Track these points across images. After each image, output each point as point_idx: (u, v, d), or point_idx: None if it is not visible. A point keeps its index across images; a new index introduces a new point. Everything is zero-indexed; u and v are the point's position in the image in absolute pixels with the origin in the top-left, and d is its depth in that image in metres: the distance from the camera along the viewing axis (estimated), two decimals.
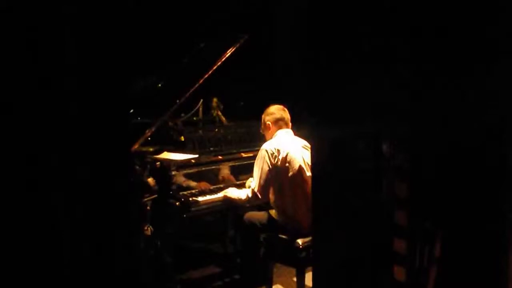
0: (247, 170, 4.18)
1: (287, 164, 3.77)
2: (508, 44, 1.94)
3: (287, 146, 3.83)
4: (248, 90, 5.04)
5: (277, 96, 4.23)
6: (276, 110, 4.01)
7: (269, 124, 4.00)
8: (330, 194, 2.41)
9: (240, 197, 3.89)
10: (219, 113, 4.70)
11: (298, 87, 4.24)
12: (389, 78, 2.17)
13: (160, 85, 4.29)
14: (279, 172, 3.79)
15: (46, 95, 2.42)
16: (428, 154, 2.14)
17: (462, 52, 2.03)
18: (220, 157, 4.28)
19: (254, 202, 3.91)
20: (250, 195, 3.83)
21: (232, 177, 4.32)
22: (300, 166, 3.81)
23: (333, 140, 2.35)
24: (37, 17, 2.35)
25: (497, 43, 1.96)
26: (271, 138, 3.97)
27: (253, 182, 3.85)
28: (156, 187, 3.88)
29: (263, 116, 4.04)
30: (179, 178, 4.02)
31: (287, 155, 3.78)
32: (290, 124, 4.06)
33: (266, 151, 3.80)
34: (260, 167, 3.80)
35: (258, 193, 3.79)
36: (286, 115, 4.03)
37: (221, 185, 4.24)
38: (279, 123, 3.99)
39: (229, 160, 4.33)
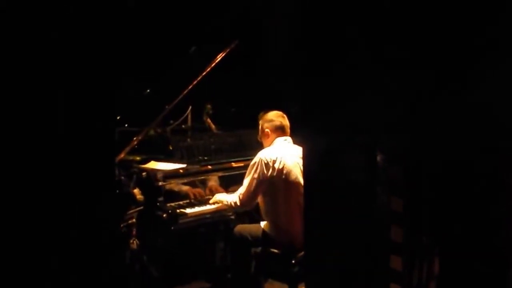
0: (238, 181, 4.14)
1: (283, 176, 3.78)
2: (505, 53, 1.99)
3: (284, 156, 3.82)
4: (239, 96, 5.05)
5: (270, 103, 4.24)
6: (275, 117, 4.01)
7: (267, 132, 4.00)
8: (321, 206, 2.43)
9: (228, 202, 3.92)
10: (209, 120, 4.70)
11: (291, 94, 4.24)
12: (384, 88, 2.20)
13: (148, 90, 4.29)
14: (274, 183, 3.79)
15: (28, 98, 2.43)
16: (424, 166, 2.16)
17: (459, 61, 2.07)
18: (209, 166, 4.28)
19: (238, 209, 3.95)
20: (234, 199, 3.88)
21: (221, 188, 4.32)
22: (296, 179, 3.81)
23: (325, 149, 2.37)
24: (22, 20, 2.37)
25: (495, 50, 2.00)
26: (269, 145, 3.97)
27: (242, 187, 3.87)
28: (142, 199, 3.88)
29: (261, 122, 4.04)
30: (167, 188, 4.02)
31: (283, 166, 3.78)
32: (289, 131, 4.05)
33: (261, 160, 3.79)
34: (251, 174, 3.81)
35: (240, 200, 3.84)
36: (286, 122, 4.02)
37: (211, 196, 4.24)
38: (278, 130, 3.99)
39: (218, 170, 4.33)
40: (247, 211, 4.28)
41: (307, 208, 2.54)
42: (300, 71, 2.48)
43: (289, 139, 4.04)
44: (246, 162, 4.06)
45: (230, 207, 3.96)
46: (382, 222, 2.24)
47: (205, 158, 4.36)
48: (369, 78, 2.21)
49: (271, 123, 4.00)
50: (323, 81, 2.37)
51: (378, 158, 2.22)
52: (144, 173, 4.00)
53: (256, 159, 3.83)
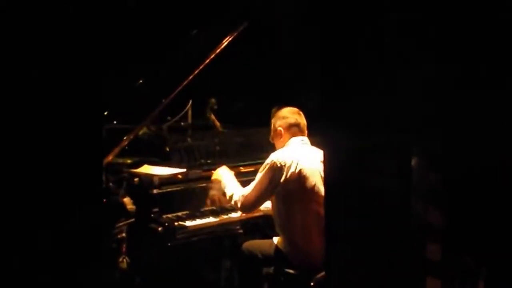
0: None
1: (299, 183, 3.79)
2: None
3: (301, 159, 3.83)
4: (249, 89, 5.05)
5: (284, 97, 4.24)
6: (289, 114, 4.02)
7: (280, 131, 4.00)
8: (346, 218, 2.44)
9: (227, 194, 3.96)
10: (213, 116, 4.70)
11: (309, 86, 4.26)
12: (423, 78, 2.21)
13: (141, 81, 4.28)
14: (289, 191, 3.80)
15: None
16: (467, 173, 2.17)
17: (500, 55, 2.11)
18: (213, 171, 4.25)
19: (236, 208, 3.97)
20: (236, 197, 3.90)
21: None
22: (315, 186, 3.83)
23: (350, 151, 2.39)
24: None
25: None
26: (283, 147, 3.99)
27: (248, 187, 3.89)
28: (133, 209, 3.88)
29: (273, 120, 4.04)
30: (163, 197, 4.03)
31: (300, 171, 3.79)
32: (306, 131, 4.05)
33: (274, 162, 3.81)
34: (261, 176, 3.83)
35: (241, 202, 3.85)
36: (302, 120, 4.03)
37: (214, 207, 4.23)
38: (293, 129, 3.99)
39: None
40: (257, 224, 4.29)
41: (329, 220, 2.56)
42: (321, 58, 2.49)
43: (306, 139, 4.03)
44: (257, 167, 4.07)
45: (227, 201, 3.98)
46: (417, 238, 2.25)
47: (208, 161, 4.37)
48: (404, 66, 2.23)
49: (284, 121, 3.99)
50: (349, 69, 2.39)
51: (414, 161, 2.22)
52: (136, 179, 4.01)
53: (268, 160, 3.84)
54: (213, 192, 4.26)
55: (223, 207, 4.24)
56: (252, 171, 4.25)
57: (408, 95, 2.25)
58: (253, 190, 3.84)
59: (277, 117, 4.03)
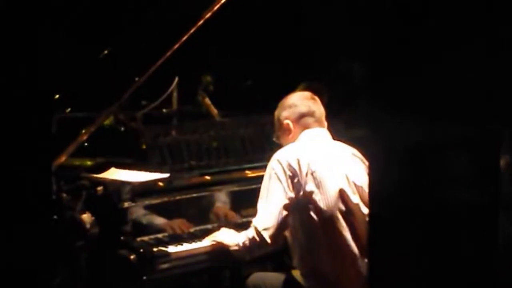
0: (257, 200, 4.03)
1: (313, 188, 3.78)
2: None
3: (315, 156, 3.83)
4: (259, 60, 5.06)
5: (306, 72, 4.28)
6: (299, 100, 4.03)
7: (288, 124, 4.02)
8: (402, 244, 2.46)
9: (238, 244, 3.89)
10: (208, 101, 4.69)
11: (352, 54, 4.22)
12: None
13: (106, 51, 4.26)
14: (301, 204, 3.81)
15: None
16: None
17: None
18: (207, 177, 4.29)
19: (258, 251, 3.90)
20: (251, 236, 3.82)
21: (230, 212, 4.33)
22: (341, 192, 3.80)
23: (410, 149, 2.39)
24: None
25: None
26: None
27: (258, 216, 3.85)
28: (95, 229, 3.88)
29: (276, 112, 4.09)
30: (137, 213, 4.00)
31: (313, 172, 3.80)
32: (324, 122, 4.04)
33: (280, 162, 3.81)
34: (269, 189, 3.82)
35: (264, 234, 3.77)
36: (318, 108, 4.03)
37: (210, 226, 4.23)
38: (305, 120, 4.00)
39: (223, 183, 4.35)
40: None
41: (374, 246, 2.58)
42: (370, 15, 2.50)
43: (324, 133, 4.02)
44: None
45: (246, 250, 3.87)
46: (507, 265, 2.27)
47: (201, 163, 4.36)
48: (486, 32, 2.25)
49: (292, 110, 4.01)
50: (411, 32, 2.38)
51: (502, 163, 2.21)
52: (99, 188, 3.99)
53: (271, 164, 3.86)
54: (217, 204, 4.29)
55: (224, 226, 4.19)
56: (263, 175, 4.16)
57: (490, 73, 2.27)
58: (266, 211, 3.79)
59: (281, 107, 4.07)
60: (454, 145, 2.29)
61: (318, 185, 3.77)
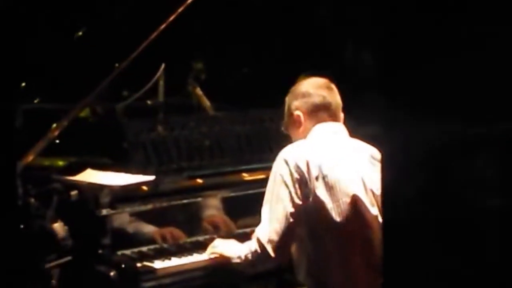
0: (256, 207, 4.09)
1: (324, 195, 3.79)
2: None
3: (327, 157, 3.86)
4: (257, 50, 5.10)
5: (311, 63, 4.22)
6: (313, 89, 4.04)
7: (299, 116, 4.04)
8: (420, 257, 2.45)
9: (239, 256, 3.92)
10: (199, 91, 4.71)
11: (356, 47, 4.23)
12: None
13: (80, 32, 4.28)
14: (310, 213, 3.84)
15: None
16: None
17: None
18: (198, 180, 4.32)
19: (261, 265, 3.95)
20: (253, 249, 3.86)
21: (225, 222, 4.36)
22: (357, 201, 3.82)
23: (431, 150, 2.39)
24: None
25: None
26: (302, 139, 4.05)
27: (261, 225, 3.89)
28: (69, 241, 3.88)
29: (287, 99, 4.11)
30: (117, 222, 4.02)
31: (325, 176, 3.82)
32: (341, 115, 4.05)
33: (286, 163, 3.83)
34: (274, 195, 3.84)
35: (267, 248, 3.80)
36: (334, 99, 4.05)
37: (201, 237, 4.25)
38: (318, 113, 4.01)
39: (217, 188, 4.37)
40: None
41: (388, 259, 2.58)
42: None
43: (340, 128, 4.03)
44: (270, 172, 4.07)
45: (249, 263, 3.91)
46: None
47: (191, 164, 4.37)
48: None
49: (305, 100, 4.04)
50: (430, 18, 2.37)
51: None
52: (73, 193, 4.01)
53: (276, 165, 3.89)
54: (210, 213, 4.29)
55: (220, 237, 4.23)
56: (264, 179, 4.22)
57: None
58: (271, 220, 3.81)
59: (293, 95, 4.10)
60: (478, 146, 2.30)
61: (330, 192, 3.77)
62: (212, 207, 4.33)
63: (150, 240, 4.12)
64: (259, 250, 3.81)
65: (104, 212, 3.96)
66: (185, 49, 4.69)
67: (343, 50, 4.55)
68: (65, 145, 4.23)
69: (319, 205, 3.78)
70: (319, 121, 3.99)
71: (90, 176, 4.13)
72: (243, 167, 4.46)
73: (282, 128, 4.13)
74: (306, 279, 3.92)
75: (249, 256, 3.85)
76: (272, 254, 3.77)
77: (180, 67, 4.72)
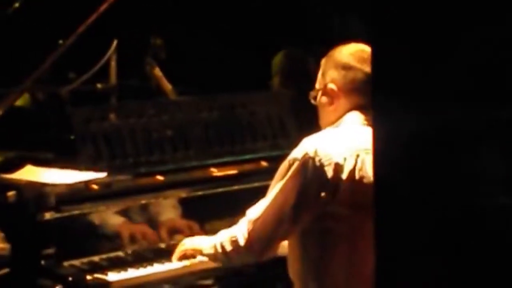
0: (227, 211, 4.19)
1: (360, 200, 3.76)
2: None
3: (362, 160, 3.84)
4: (226, 23, 5.11)
5: (290, 39, 4.32)
6: (359, 62, 3.92)
7: (332, 90, 3.96)
8: (418, 257, 2.49)
9: (215, 245, 4.00)
10: (158, 72, 4.73)
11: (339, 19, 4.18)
12: None
13: (17, 4, 4.28)
14: (335, 216, 3.86)
15: None
16: None
17: None
18: (159, 177, 4.29)
19: (238, 256, 3.98)
20: (233, 235, 3.92)
21: (191, 225, 4.38)
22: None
23: (430, 138, 2.42)
24: None
25: None
26: (331, 125, 4.00)
27: (257, 208, 3.92)
28: (6, 250, 3.89)
29: (324, 63, 4.05)
30: (64, 227, 3.99)
31: (361, 178, 3.81)
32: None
33: (309, 157, 3.81)
34: (280, 188, 3.86)
35: (249, 234, 3.85)
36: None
37: (163, 244, 4.26)
38: (358, 95, 3.93)
39: (181, 185, 4.38)
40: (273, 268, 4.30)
41: (381, 261, 2.61)
42: None
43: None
44: (246, 167, 4.26)
45: (222, 254, 3.96)
46: None
47: (150, 158, 4.36)
48: None
49: (344, 74, 3.95)
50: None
51: None
52: (10, 194, 3.96)
53: (295, 153, 3.84)
54: (172, 215, 4.26)
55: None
56: (236, 175, 4.32)
57: None
58: (264, 212, 3.83)
59: (332, 61, 4.01)
60: (485, 134, 2.31)
61: (366, 192, 3.58)
62: (175, 208, 4.33)
63: (102, 248, 4.11)
64: (239, 237, 3.82)
65: (48, 216, 3.95)
66: (142, 22, 4.65)
67: (325, 26, 4.54)
68: (1, 138, 4.24)
69: (346, 207, 3.80)
70: (356, 105, 3.91)
71: (30, 173, 4.13)
72: (211, 161, 4.47)
73: (310, 98, 4.03)
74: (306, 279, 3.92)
75: (226, 244, 3.85)
76: (243, 242, 3.81)
77: (136, 44, 4.69)
